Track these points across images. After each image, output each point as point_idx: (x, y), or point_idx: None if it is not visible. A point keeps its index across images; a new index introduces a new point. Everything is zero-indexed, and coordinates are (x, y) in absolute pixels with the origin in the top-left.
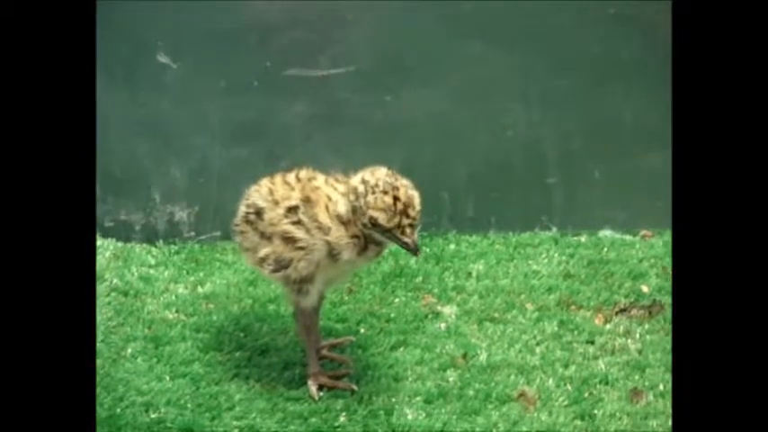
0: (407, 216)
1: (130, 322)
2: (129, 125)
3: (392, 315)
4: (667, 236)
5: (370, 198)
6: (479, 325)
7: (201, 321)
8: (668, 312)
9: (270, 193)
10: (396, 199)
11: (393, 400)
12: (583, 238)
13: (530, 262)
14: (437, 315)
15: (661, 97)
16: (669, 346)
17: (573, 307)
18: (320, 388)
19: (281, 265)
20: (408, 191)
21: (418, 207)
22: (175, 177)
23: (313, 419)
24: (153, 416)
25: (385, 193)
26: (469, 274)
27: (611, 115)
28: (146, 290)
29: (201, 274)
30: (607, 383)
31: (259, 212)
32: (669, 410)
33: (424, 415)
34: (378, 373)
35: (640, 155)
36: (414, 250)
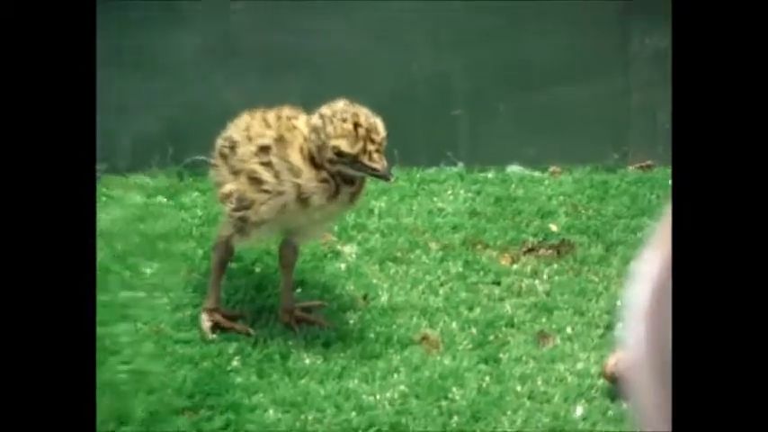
0: (372, 141)
1: None
2: None
3: None
4: (577, 173)
5: (330, 128)
6: (381, 265)
7: None
8: (578, 252)
9: (246, 128)
10: (356, 125)
11: (290, 343)
12: (490, 175)
13: (434, 199)
14: (337, 254)
15: (572, 33)
16: (578, 288)
17: (479, 246)
18: (214, 329)
19: (242, 204)
20: (369, 117)
21: (383, 132)
22: None
23: (205, 363)
24: None
25: (344, 120)
26: (371, 211)
27: (518, 50)
28: None
29: None
30: (513, 326)
31: (233, 146)
32: (576, 354)
33: (322, 359)
34: (273, 315)
35: (548, 89)
36: (386, 176)
